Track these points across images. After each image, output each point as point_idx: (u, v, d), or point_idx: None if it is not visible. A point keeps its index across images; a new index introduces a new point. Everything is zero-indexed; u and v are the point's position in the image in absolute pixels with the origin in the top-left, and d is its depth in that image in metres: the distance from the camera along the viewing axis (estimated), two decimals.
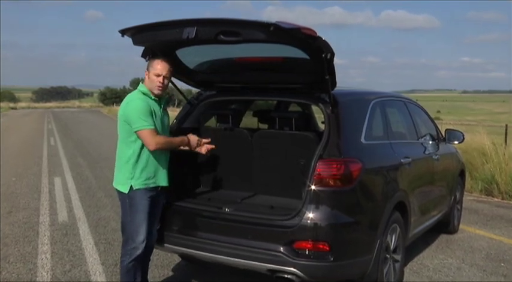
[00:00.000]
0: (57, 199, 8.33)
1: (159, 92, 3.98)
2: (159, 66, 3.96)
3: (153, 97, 3.98)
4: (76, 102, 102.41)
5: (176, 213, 4.27)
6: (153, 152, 3.94)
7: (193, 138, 4.18)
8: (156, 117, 3.95)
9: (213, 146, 4.27)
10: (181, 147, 4.16)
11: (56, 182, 9.98)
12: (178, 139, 4.11)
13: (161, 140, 3.93)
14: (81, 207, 7.77)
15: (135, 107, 3.88)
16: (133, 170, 3.96)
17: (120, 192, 4.04)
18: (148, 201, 3.99)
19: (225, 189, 4.72)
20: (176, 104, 37.55)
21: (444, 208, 6.10)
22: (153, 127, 3.87)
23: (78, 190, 9.12)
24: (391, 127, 4.89)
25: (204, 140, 4.24)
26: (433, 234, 6.37)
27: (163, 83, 3.97)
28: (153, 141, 3.87)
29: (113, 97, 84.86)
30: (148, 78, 3.98)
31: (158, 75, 3.95)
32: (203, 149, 4.24)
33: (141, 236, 3.97)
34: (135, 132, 3.87)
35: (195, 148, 4.20)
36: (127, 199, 3.99)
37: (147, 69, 4.00)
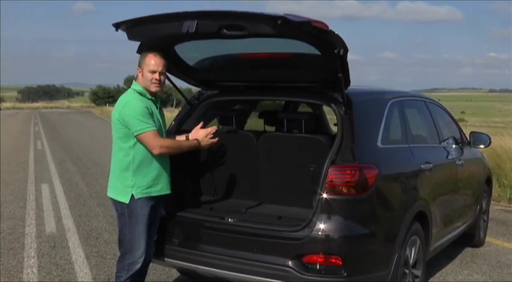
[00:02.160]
0: (45, 208, 8.36)
1: (157, 89, 3.99)
2: (153, 62, 3.96)
3: (149, 97, 4.00)
4: (65, 102, 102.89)
5: (175, 224, 4.28)
6: (155, 157, 3.95)
7: (201, 134, 4.12)
8: (154, 118, 3.97)
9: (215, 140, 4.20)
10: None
11: (44, 189, 10.02)
12: (187, 143, 4.08)
13: (166, 142, 3.94)
14: (70, 216, 7.79)
15: (133, 109, 3.88)
16: (134, 178, 3.96)
17: (118, 203, 4.03)
18: (149, 212, 4.01)
19: (228, 197, 4.73)
20: (175, 104, 37.64)
21: (469, 219, 6.08)
22: (155, 128, 3.89)
23: (68, 198, 9.15)
24: (410, 130, 4.89)
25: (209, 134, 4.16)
26: (457, 248, 6.35)
27: (159, 80, 3.98)
28: (157, 144, 3.87)
29: (106, 97, 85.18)
30: (142, 75, 3.98)
31: (153, 72, 3.96)
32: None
33: (140, 249, 3.99)
34: (136, 136, 3.87)
35: (208, 144, 4.15)
36: (126, 209, 4.00)
37: (139, 65, 4.01)
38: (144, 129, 3.84)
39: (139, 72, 4.00)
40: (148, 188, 3.98)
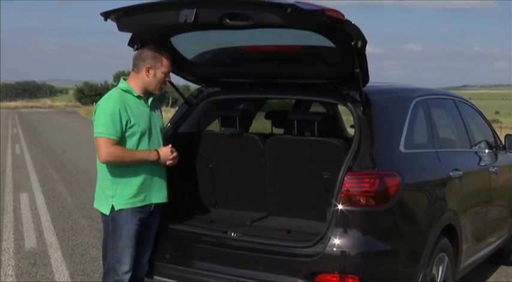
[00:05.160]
0: (24, 220, 8.38)
1: (160, 91, 4.11)
2: (168, 61, 4.05)
3: (136, 93, 4.03)
4: (47, 101, 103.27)
5: (170, 238, 4.29)
6: (142, 163, 3.98)
7: (165, 151, 4.07)
8: (137, 116, 3.99)
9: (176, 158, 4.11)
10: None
11: (23, 199, 10.06)
12: (142, 153, 4.00)
13: (116, 151, 3.92)
14: (53, 230, 7.81)
15: (102, 110, 3.96)
16: (113, 186, 4.00)
17: (102, 214, 4.09)
18: (137, 225, 4.02)
19: (232, 209, 4.73)
20: (170, 103, 37.65)
21: (504, 233, 6.07)
22: (111, 137, 3.90)
23: (50, 209, 9.18)
24: (437, 132, 4.89)
25: (174, 154, 4.08)
26: (490, 266, 6.34)
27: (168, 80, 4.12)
28: (105, 151, 3.90)
29: (93, 95, 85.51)
30: (155, 75, 4.01)
31: (168, 73, 4.06)
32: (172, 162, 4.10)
33: (125, 266, 4.01)
34: (95, 137, 3.95)
35: (167, 163, 4.08)
36: (109, 222, 4.03)
37: (148, 62, 4.00)
38: (100, 134, 3.92)
39: (148, 70, 4.01)
40: (132, 197, 4.00)
